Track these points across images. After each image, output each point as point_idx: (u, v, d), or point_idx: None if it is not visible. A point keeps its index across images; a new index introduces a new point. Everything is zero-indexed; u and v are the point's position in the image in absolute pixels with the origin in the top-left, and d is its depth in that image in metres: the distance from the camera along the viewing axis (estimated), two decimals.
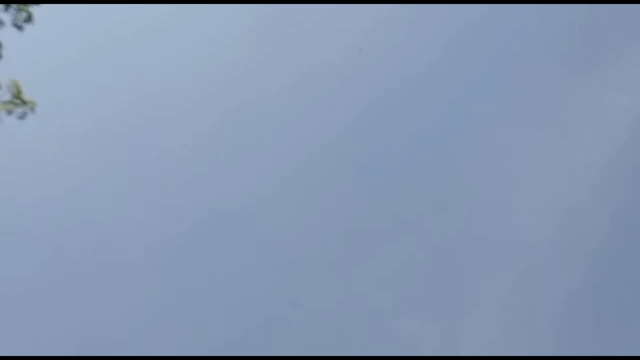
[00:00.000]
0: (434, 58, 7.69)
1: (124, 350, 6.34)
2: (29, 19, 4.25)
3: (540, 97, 7.48)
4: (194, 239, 7.37)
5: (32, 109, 4.21)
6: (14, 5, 4.13)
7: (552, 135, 7.37)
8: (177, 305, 7.03)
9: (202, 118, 7.75)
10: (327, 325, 6.88)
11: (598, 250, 6.93)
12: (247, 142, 7.74)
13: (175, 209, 7.51)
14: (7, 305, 6.44)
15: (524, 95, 7.60)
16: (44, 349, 6.09)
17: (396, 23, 7.68)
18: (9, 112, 4.16)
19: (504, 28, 7.73)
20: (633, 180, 6.91)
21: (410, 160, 7.65)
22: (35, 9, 4.26)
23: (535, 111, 7.45)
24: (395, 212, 7.57)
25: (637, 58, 7.24)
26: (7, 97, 4.16)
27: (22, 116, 4.20)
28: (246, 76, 7.81)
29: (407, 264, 7.22)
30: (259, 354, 6.44)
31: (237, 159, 7.72)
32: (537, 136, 7.45)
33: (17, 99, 4.16)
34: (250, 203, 7.47)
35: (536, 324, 6.72)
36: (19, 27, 4.19)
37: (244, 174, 7.61)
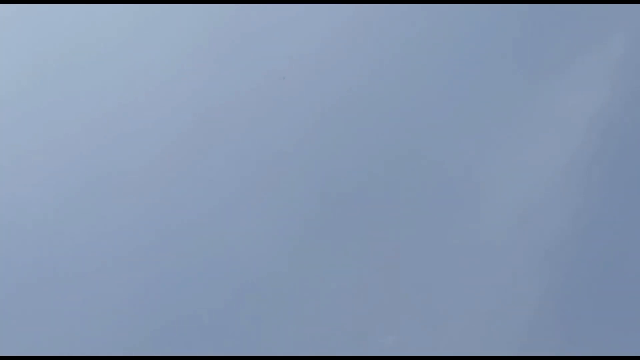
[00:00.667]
0: (387, 65, 8.08)
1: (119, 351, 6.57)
2: None
3: (493, 100, 7.92)
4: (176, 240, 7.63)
5: None
6: None
7: (508, 138, 7.80)
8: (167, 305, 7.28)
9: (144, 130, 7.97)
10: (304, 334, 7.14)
11: (560, 252, 7.35)
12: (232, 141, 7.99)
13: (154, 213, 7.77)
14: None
15: (477, 98, 8.04)
16: (42, 349, 6.31)
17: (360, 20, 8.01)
18: None
19: (453, 30, 8.19)
20: (591, 180, 7.39)
21: (369, 175, 7.98)
22: None
23: (488, 115, 7.89)
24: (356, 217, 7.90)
25: (589, 57, 7.78)
26: None
27: None
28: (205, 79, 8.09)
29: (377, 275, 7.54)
30: None
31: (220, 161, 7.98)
32: (492, 140, 7.88)
33: None
34: (210, 217, 7.73)
35: (513, 329, 7.08)
36: None
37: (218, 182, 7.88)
